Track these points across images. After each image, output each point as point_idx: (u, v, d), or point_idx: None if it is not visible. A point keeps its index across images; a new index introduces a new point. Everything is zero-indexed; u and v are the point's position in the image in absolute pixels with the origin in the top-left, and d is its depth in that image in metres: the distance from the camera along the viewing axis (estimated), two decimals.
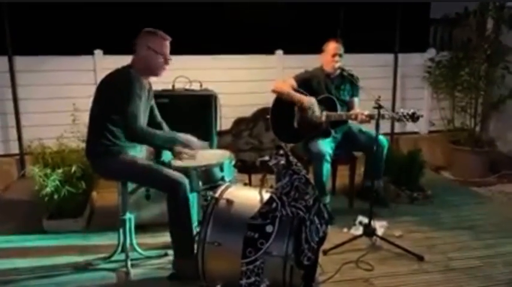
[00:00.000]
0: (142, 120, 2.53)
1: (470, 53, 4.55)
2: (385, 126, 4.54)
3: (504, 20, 4.38)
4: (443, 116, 4.84)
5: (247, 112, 4.66)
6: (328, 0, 4.97)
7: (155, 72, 2.62)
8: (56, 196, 3.07)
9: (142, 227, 3.04)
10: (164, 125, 2.84)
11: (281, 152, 2.33)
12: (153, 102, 2.79)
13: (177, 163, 2.64)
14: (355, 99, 3.55)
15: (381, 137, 3.29)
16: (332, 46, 3.41)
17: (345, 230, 3.19)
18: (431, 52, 4.99)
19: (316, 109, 3.35)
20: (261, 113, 4.62)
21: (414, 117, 3.04)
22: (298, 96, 3.38)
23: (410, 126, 4.95)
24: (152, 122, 2.73)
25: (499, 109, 4.62)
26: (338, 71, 3.43)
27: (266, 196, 2.25)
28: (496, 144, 4.67)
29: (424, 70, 4.94)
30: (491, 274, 2.65)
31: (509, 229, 3.26)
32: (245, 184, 2.75)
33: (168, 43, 2.59)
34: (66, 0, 4.30)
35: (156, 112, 2.83)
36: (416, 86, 5.10)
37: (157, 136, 2.54)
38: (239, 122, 4.67)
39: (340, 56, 3.41)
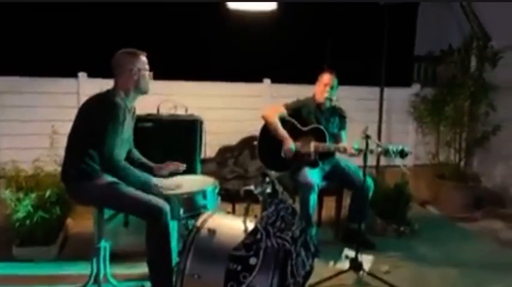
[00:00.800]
0: (122, 151, 2.46)
1: (454, 89, 4.61)
2: (370, 159, 4.53)
3: (487, 58, 4.49)
4: (428, 151, 4.85)
5: (233, 140, 4.60)
6: (318, 6, 4.98)
7: (146, 90, 2.57)
8: (28, 222, 2.91)
9: (118, 257, 2.87)
10: (135, 152, 2.73)
11: (267, 180, 2.26)
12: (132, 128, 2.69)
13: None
14: (342, 133, 3.54)
15: (369, 180, 3.25)
16: (325, 77, 3.42)
17: (331, 264, 3.08)
18: (416, 87, 5.06)
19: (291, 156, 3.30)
20: (246, 142, 4.57)
21: (403, 154, 3.01)
22: (282, 136, 3.31)
23: (395, 161, 4.97)
24: None
25: (484, 145, 4.66)
26: (329, 103, 3.42)
27: (250, 225, 2.15)
28: (480, 179, 4.67)
29: (409, 105, 4.99)
30: None
31: (496, 267, 3.20)
32: (228, 213, 2.64)
33: (146, 58, 2.58)
34: (52, 1, 4.20)
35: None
36: (401, 121, 5.14)
37: (131, 175, 2.43)
38: (224, 150, 4.61)
39: (332, 88, 3.40)
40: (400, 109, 5.10)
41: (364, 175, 2.98)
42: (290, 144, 3.30)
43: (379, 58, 4.84)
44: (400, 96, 5.11)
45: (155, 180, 2.50)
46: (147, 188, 2.46)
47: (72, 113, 2.58)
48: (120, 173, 2.41)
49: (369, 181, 3.29)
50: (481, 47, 4.54)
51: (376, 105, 5.03)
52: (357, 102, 4.72)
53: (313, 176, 3.27)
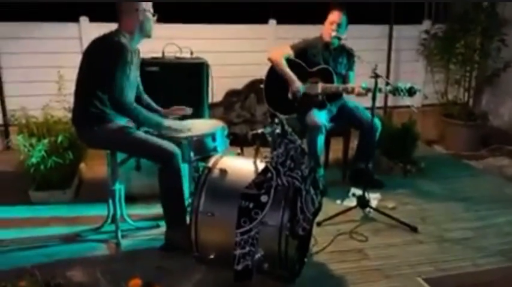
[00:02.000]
0: (130, 92, 2.45)
1: (466, 25, 4.47)
2: (378, 100, 4.49)
3: None
4: (437, 90, 4.80)
5: (239, 84, 4.55)
6: None
7: (150, 33, 2.54)
8: (42, 167, 2.97)
9: (132, 199, 2.98)
10: (145, 97, 2.74)
11: (276, 121, 2.26)
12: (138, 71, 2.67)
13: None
14: (350, 74, 3.48)
15: (376, 120, 3.24)
16: (333, 14, 3.29)
17: (338, 202, 3.17)
18: (427, 24, 4.90)
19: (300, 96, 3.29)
20: (253, 85, 4.53)
21: (411, 92, 2.98)
22: (290, 78, 3.27)
23: (403, 101, 4.93)
24: None
25: (493, 83, 4.59)
26: (337, 42, 3.33)
27: (261, 166, 2.19)
28: (488, 117, 4.65)
29: (419, 43, 4.87)
30: (484, 245, 2.66)
31: (500, 201, 3.27)
32: (238, 154, 2.67)
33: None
34: None
35: (139, 82, 2.71)
36: (410, 59, 5.03)
37: (143, 117, 2.44)
38: (231, 94, 4.58)
39: (340, 26, 3.29)
40: (409, 48, 4.96)
41: (373, 114, 2.97)
42: (298, 85, 3.27)
43: None
44: (410, 34, 4.95)
45: (167, 122, 2.53)
46: (159, 129, 2.49)
47: (76, 59, 2.56)
48: (132, 115, 2.42)
49: (377, 121, 3.28)
50: None
51: (385, 44, 4.91)
52: (365, 42, 4.59)
53: (320, 117, 3.27)
